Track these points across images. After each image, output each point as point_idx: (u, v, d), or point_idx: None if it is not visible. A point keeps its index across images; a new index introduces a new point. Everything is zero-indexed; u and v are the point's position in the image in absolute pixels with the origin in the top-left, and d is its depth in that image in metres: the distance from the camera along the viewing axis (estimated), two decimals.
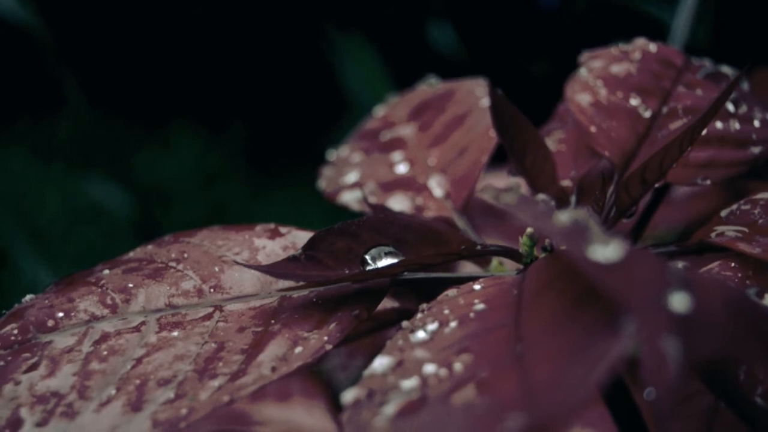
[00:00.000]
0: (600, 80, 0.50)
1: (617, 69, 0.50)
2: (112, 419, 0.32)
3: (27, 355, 0.36)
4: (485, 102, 0.54)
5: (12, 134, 1.98)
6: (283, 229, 0.43)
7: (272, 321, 0.37)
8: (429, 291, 0.37)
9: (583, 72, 0.51)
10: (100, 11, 2.01)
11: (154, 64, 2.03)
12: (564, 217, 0.29)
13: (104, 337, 0.37)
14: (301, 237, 0.42)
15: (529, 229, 0.40)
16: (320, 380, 0.65)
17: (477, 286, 0.35)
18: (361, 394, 0.28)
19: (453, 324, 0.32)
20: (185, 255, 0.41)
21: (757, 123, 0.47)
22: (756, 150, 0.46)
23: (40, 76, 1.73)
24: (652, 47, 0.52)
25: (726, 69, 0.52)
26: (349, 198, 0.53)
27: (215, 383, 0.33)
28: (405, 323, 0.33)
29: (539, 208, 0.32)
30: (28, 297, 0.40)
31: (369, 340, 0.46)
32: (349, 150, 0.58)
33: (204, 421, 0.32)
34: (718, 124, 0.47)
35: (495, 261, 0.47)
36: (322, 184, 0.56)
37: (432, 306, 0.34)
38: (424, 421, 0.26)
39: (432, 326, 0.32)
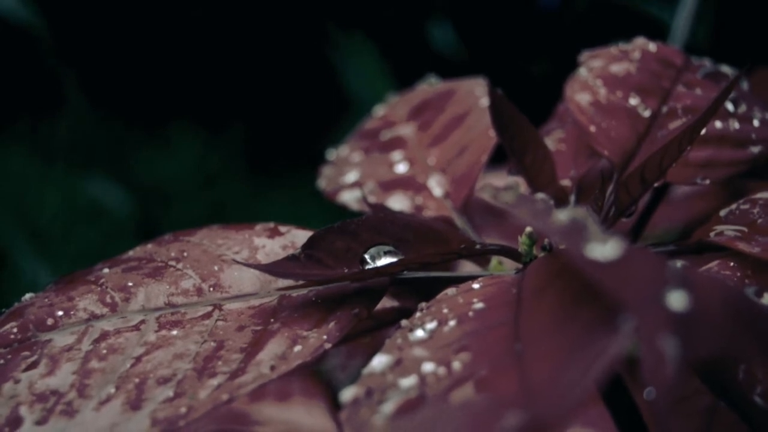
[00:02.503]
0: (600, 80, 0.50)
1: (617, 68, 0.50)
2: (112, 417, 0.32)
3: (27, 353, 0.36)
4: (485, 101, 0.54)
5: (12, 134, 1.98)
6: (282, 228, 0.43)
7: (271, 320, 0.37)
8: (428, 290, 0.37)
9: (582, 71, 0.51)
10: (101, 11, 2.01)
11: (154, 64, 2.03)
12: (563, 216, 0.29)
13: (104, 335, 0.37)
14: (300, 236, 0.42)
15: (528, 228, 0.40)
16: (320, 379, 0.65)
17: (476, 285, 0.35)
18: (360, 393, 0.28)
19: (452, 323, 0.32)
20: (185, 254, 0.41)
21: (756, 122, 0.47)
22: (755, 149, 0.46)
23: (40, 76, 1.73)
24: (652, 47, 0.52)
25: (725, 69, 0.52)
26: (349, 197, 0.53)
27: (214, 382, 0.33)
28: (404, 322, 0.33)
29: (538, 207, 0.32)
30: (28, 296, 0.40)
31: (368, 339, 0.46)
32: (348, 149, 0.58)
33: (203, 419, 0.32)
34: (718, 124, 0.47)
35: (494, 260, 0.47)
36: (322, 183, 0.56)
37: (431, 305, 0.34)
38: (422, 419, 0.26)
39: (431, 325, 0.32)
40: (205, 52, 2.00)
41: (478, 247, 0.40)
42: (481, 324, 0.31)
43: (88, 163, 1.74)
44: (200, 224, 0.45)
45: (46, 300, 0.39)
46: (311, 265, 0.37)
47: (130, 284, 0.39)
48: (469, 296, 0.34)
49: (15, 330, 0.37)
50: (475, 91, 0.56)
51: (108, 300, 0.38)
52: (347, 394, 0.28)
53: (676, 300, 0.24)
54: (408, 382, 0.28)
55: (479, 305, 0.32)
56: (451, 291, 0.35)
